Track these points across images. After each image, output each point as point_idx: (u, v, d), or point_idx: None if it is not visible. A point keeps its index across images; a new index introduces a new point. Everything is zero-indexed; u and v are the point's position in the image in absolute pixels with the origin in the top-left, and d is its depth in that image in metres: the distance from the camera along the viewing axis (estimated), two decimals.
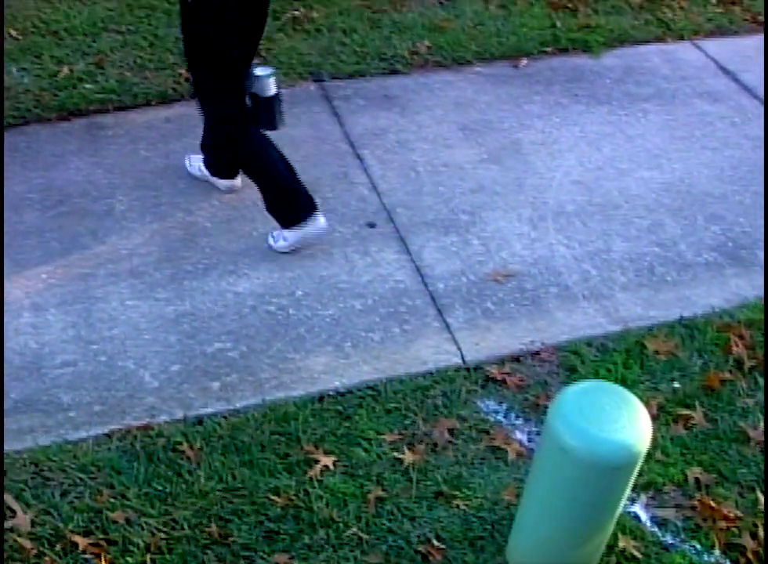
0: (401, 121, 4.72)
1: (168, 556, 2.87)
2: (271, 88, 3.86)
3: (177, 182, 4.27)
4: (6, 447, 3.17)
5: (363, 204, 4.19)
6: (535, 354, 3.60)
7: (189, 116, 4.56)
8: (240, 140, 3.83)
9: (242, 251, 3.92)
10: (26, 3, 5.61)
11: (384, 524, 2.98)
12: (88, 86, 4.83)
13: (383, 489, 3.09)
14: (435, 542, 2.95)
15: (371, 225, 4.07)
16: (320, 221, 3.92)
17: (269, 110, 3.92)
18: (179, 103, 4.77)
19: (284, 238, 3.95)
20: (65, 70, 4.97)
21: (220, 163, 4.22)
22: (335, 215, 4.11)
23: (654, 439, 3.12)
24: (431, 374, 3.47)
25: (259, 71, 3.84)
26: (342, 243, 3.99)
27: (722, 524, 3.05)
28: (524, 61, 5.28)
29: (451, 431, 3.29)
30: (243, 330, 3.60)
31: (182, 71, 4.91)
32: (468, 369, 3.50)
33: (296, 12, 5.44)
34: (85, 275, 3.82)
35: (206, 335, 3.57)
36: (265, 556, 2.88)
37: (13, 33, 5.29)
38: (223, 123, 3.83)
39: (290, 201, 3.91)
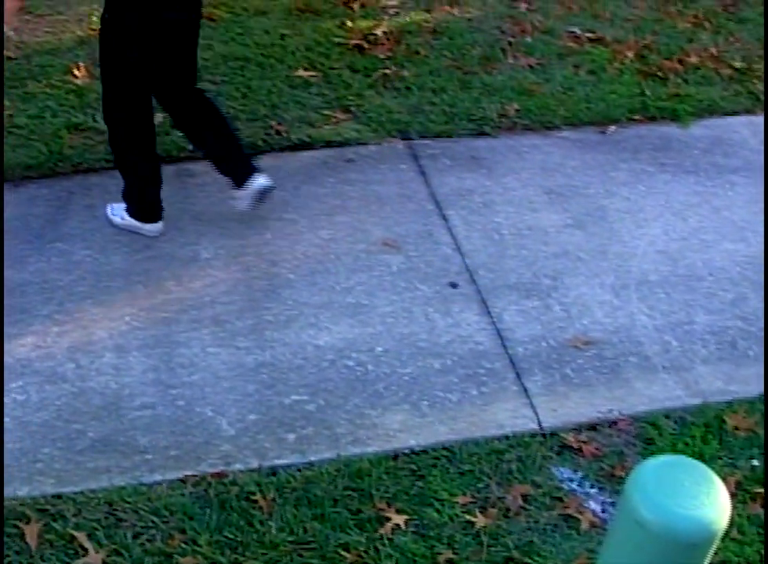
0: (487, 183, 4.74)
1: None
2: None
3: (263, 233, 4.32)
4: (82, 486, 3.21)
5: (446, 263, 4.20)
6: (612, 423, 3.57)
7: (277, 168, 4.63)
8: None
9: (324, 305, 3.95)
10: None
11: None
12: (180, 134, 4.92)
13: (453, 552, 3.07)
14: None
15: (454, 286, 4.08)
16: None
17: None
18: (269, 154, 4.83)
19: (121, 217, 4.33)
20: (159, 116, 5.06)
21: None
22: (418, 274, 4.13)
23: (731, 517, 3.07)
24: (507, 438, 3.46)
25: None
26: (424, 302, 4.00)
27: None
28: (612, 128, 5.28)
29: (524, 496, 3.27)
30: (321, 383, 3.62)
31: (273, 123, 4.99)
32: (544, 435, 3.48)
33: (387, 70, 5.50)
34: (168, 319, 3.88)
35: (284, 386, 3.59)
36: None
37: None
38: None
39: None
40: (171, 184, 4.61)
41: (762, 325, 4.05)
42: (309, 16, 6.11)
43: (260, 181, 4.27)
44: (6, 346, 3.78)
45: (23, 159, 4.81)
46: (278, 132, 4.94)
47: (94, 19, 6.09)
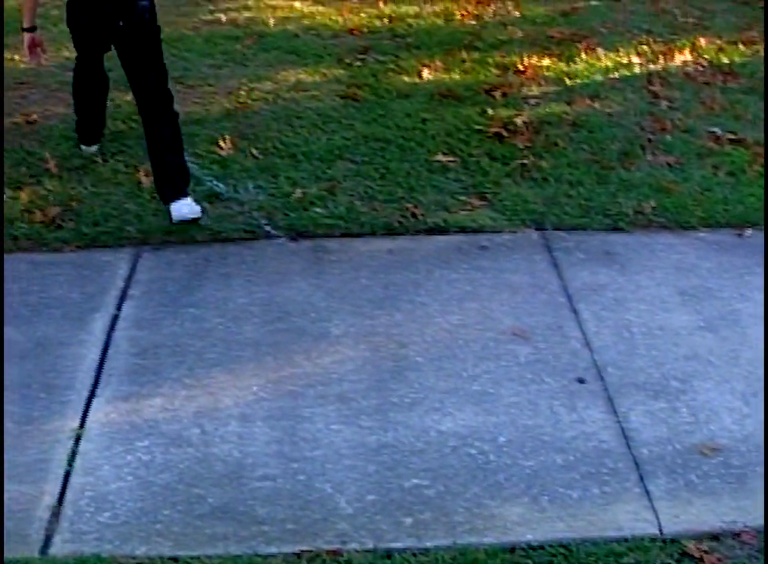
0: (620, 279, 4.71)
1: None
2: None
3: (394, 314, 4.36)
4: (199, 551, 3.25)
5: (574, 358, 4.18)
6: (736, 535, 3.47)
7: (412, 250, 4.69)
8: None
9: (450, 390, 3.95)
10: (269, 125, 5.91)
11: None
12: (318, 210, 5.03)
13: None
14: None
15: (581, 381, 4.05)
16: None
17: None
18: (404, 236, 4.90)
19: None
20: (298, 192, 5.19)
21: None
22: (546, 366, 4.11)
23: None
24: (626, 540, 3.39)
25: None
26: (550, 395, 3.97)
27: None
28: (749, 231, 5.21)
29: None
30: (442, 469, 3.60)
31: (410, 206, 5.05)
32: (664, 541, 3.40)
33: (525, 160, 5.54)
34: (294, 393, 3.92)
35: (405, 469, 3.59)
36: None
37: (254, 152, 5.57)
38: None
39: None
40: (306, 259, 4.71)
41: None
42: (450, 101, 6.21)
43: (183, 210, 4.93)
44: (135, 406, 3.87)
45: (164, 224, 4.97)
46: (414, 215, 5.00)
47: (242, 93, 6.30)
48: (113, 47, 4.97)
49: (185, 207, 4.93)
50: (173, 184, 5.00)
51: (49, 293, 4.56)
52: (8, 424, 3.79)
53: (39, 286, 4.62)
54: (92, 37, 5.04)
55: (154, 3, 4.92)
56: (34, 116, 6.16)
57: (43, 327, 4.33)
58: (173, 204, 4.95)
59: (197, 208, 4.95)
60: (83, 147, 5.73)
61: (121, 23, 4.84)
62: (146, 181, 5.30)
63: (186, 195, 4.97)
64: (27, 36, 5.08)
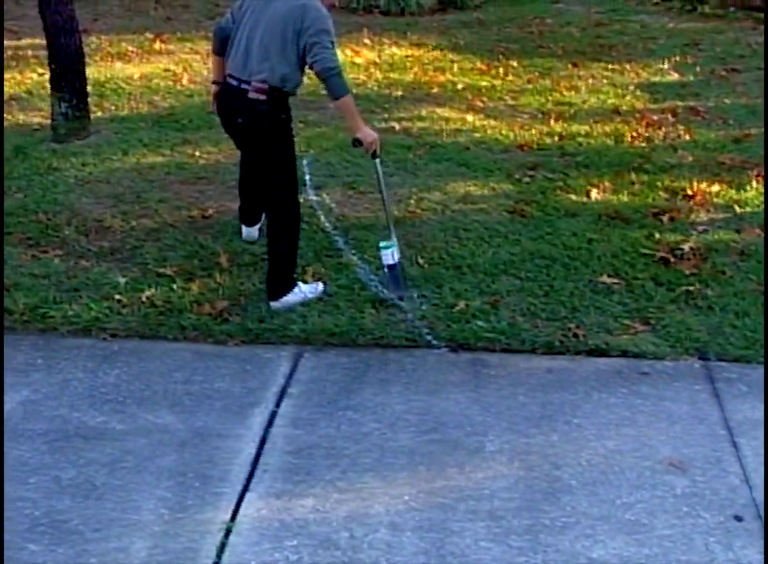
0: None
1: None
2: (389, 259, 5.30)
3: (550, 434, 4.33)
4: None
5: (732, 494, 4.07)
6: None
7: (572, 371, 4.68)
8: None
9: (602, 517, 3.89)
10: (436, 235, 6.01)
11: None
12: (480, 323, 5.06)
13: None
14: None
15: (738, 519, 3.94)
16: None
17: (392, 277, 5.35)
18: (564, 356, 4.88)
19: None
20: (461, 304, 5.23)
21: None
22: (702, 500, 4.01)
23: None
24: None
25: (381, 243, 5.37)
26: (705, 530, 3.87)
27: None
28: None
29: None
30: None
31: (572, 326, 5.05)
32: None
33: (691, 287, 5.48)
34: (445, 506, 3.92)
35: None
36: None
37: (420, 261, 5.66)
38: None
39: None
40: (465, 371, 4.74)
41: None
42: (618, 223, 6.21)
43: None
44: (286, 505, 3.92)
45: (327, 325, 5.07)
46: (576, 335, 4.99)
47: (411, 202, 6.42)
48: None
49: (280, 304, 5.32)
50: (268, 288, 5.39)
51: (212, 384, 4.69)
52: (161, 510, 3.89)
53: (202, 376, 4.75)
54: (226, 129, 5.44)
55: (279, 112, 5.14)
56: (210, 211, 6.40)
57: (203, 418, 4.44)
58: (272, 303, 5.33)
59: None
60: (243, 228, 5.97)
61: (239, 121, 5.17)
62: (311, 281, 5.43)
63: (276, 300, 5.33)
64: (213, 87, 5.55)
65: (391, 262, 5.28)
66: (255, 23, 5.07)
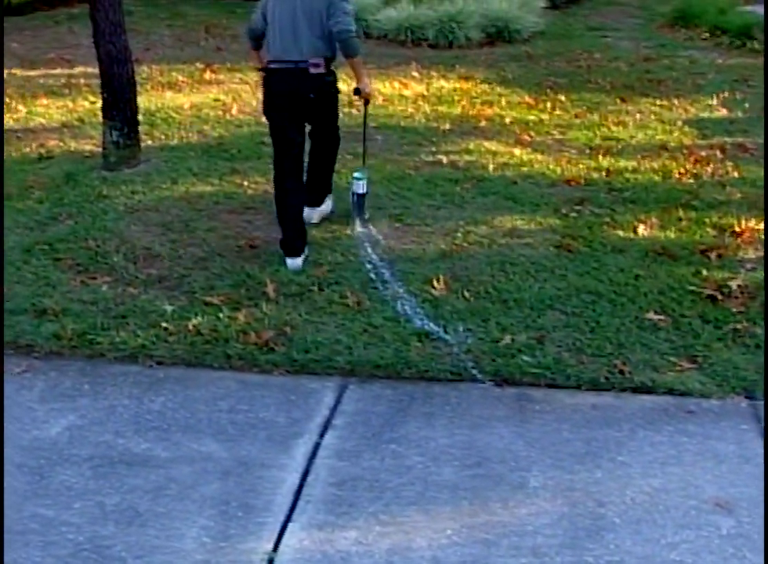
0: None
1: None
2: (360, 188, 6.48)
3: (594, 471, 4.30)
4: None
5: None
6: None
7: (616, 407, 4.65)
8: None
9: (647, 556, 3.85)
10: (482, 268, 6.00)
11: None
12: (525, 358, 5.04)
13: None
14: None
15: None
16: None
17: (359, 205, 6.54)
18: (609, 392, 4.85)
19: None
20: (507, 338, 5.23)
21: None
22: (748, 541, 3.93)
23: None
24: None
25: (356, 173, 6.49)
26: None
27: None
28: None
29: None
30: None
31: (618, 362, 5.02)
32: None
33: (739, 325, 5.44)
34: (487, 541, 3.90)
35: None
36: None
37: (466, 294, 5.66)
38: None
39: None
40: (509, 406, 4.73)
41: None
42: (665, 259, 6.18)
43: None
44: (329, 536, 3.93)
45: (372, 357, 5.08)
46: (621, 372, 4.96)
47: (458, 235, 6.43)
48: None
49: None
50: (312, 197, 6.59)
51: (256, 414, 4.71)
52: (204, 539, 3.91)
53: (247, 405, 4.77)
54: (289, 114, 6.08)
55: (334, 75, 6.20)
56: (258, 241, 6.44)
57: (247, 447, 4.46)
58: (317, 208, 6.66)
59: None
60: (287, 260, 6.09)
61: (312, 96, 6.01)
62: (360, 314, 5.45)
63: (320, 205, 6.74)
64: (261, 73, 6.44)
65: (361, 191, 6.52)
66: (291, 11, 5.94)
